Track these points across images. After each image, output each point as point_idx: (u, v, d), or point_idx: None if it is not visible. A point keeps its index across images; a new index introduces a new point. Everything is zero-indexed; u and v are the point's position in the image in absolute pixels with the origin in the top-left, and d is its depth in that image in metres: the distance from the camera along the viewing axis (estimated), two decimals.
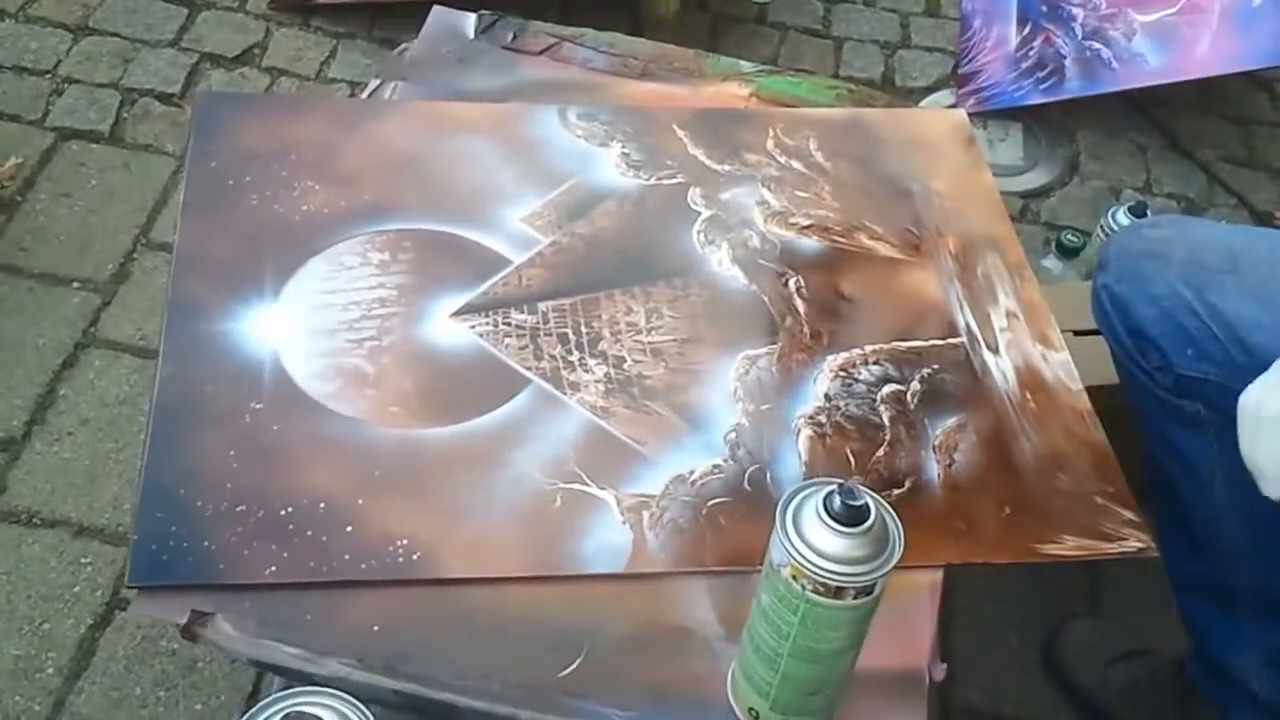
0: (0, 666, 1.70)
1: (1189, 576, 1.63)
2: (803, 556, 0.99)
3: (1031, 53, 2.81)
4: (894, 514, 1.02)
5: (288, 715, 0.92)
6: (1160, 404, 1.47)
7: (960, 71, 2.87)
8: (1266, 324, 1.42)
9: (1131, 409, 1.54)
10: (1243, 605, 1.54)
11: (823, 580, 0.99)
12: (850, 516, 0.99)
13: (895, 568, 1.00)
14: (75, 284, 2.18)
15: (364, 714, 0.94)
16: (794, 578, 1.01)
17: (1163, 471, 1.52)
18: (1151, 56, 2.70)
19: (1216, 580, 1.58)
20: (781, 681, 1.09)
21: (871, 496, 1.00)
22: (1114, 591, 1.93)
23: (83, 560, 1.82)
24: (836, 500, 0.99)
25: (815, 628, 1.03)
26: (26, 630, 1.74)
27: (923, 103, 2.81)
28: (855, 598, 1.01)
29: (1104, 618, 1.93)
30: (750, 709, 1.14)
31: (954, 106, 2.75)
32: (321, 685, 1.12)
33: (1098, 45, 2.75)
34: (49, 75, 2.56)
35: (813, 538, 0.99)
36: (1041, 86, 2.76)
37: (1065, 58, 2.77)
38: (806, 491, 1.02)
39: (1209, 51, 2.66)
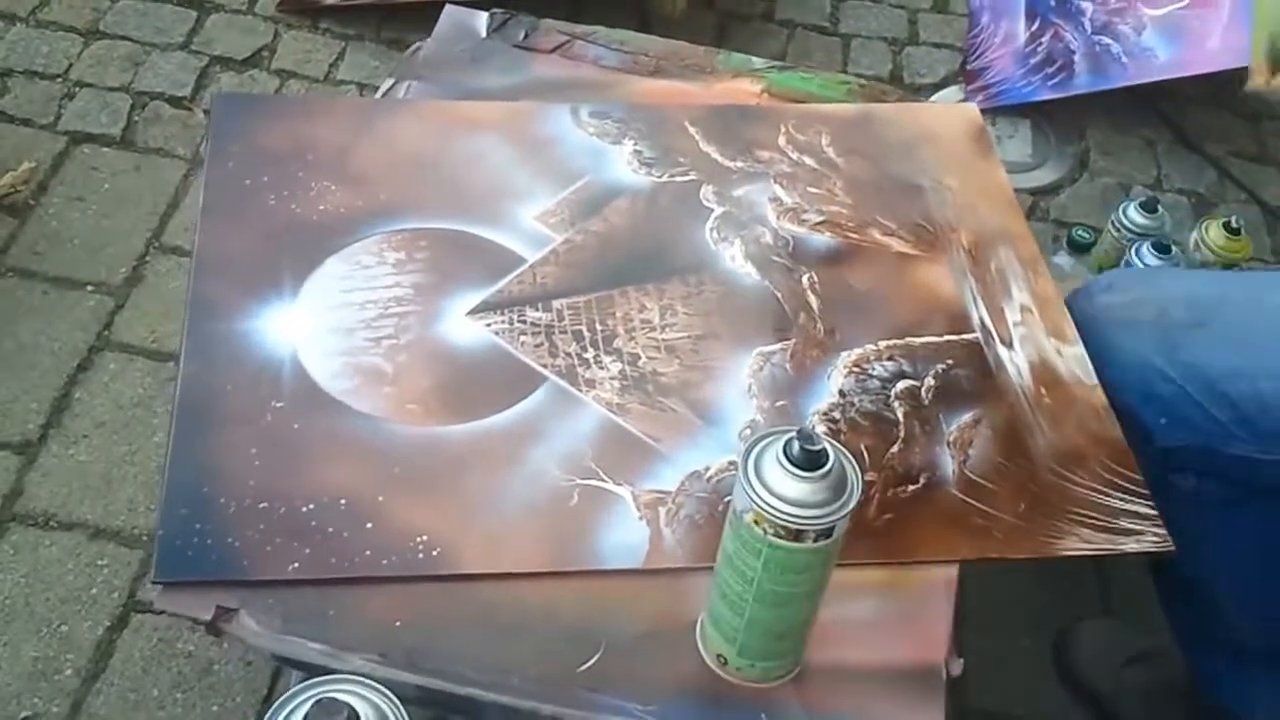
0: (19, 668, 1.71)
1: (1196, 634, 1.63)
2: (764, 501, 1.02)
3: (1040, 48, 2.82)
4: (852, 459, 1.05)
5: (319, 701, 0.92)
6: (1152, 478, 1.44)
7: (969, 68, 2.88)
8: (1245, 370, 1.41)
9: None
10: (1254, 660, 1.54)
11: (783, 524, 1.02)
12: (809, 461, 1.01)
13: (853, 511, 1.03)
14: (89, 287, 2.18)
15: (393, 702, 0.95)
16: (755, 523, 1.03)
17: None
18: (1161, 51, 2.70)
19: (1224, 638, 1.57)
20: (748, 627, 1.12)
21: (829, 442, 1.03)
22: (1125, 590, 1.93)
23: (99, 562, 1.83)
24: (795, 446, 1.01)
25: (779, 571, 1.06)
26: (45, 632, 1.75)
27: (931, 99, 2.82)
28: (815, 540, 1.03)
29: (1115, 617, 1.93)
30: (719, 655, 1.17)
31: (963, 103, 2.76)
32: None
33: (1107, 40, 2.75)
34: (60, 79, 2.57)
35: (773, 483, 1.02)
36: (1050, 82, 2.77)
37: (1074, 53, 2.77)
38: (767, 440, 1.04)
39: (1219, 45, 2.66)
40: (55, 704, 1.68)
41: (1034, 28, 2.84)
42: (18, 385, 2.02)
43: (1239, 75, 2.68)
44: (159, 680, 1.72)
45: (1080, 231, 2.25)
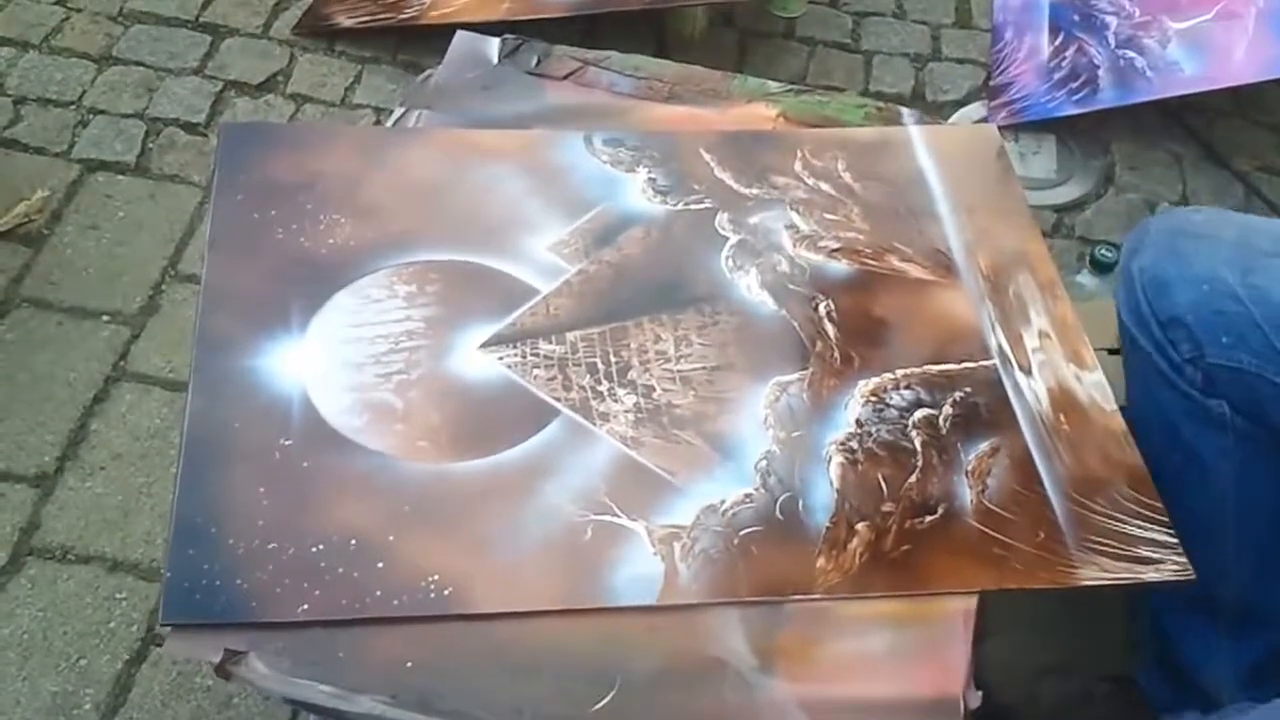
0: (38, 703, 1.71)
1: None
2: None
3: (1064, 63, 2.79)
4: None
5: None
6: (1182, 400, 1.43)
7: (992, 83, 2.85)
8: None
9: (1140, 409, 1.52)
10: (1224, 619, 1.53)
11: None
12: None
13: None
14: (104, 317, 2.18)
15: None
16: None
17: (1163, 476, 1.45)
18: (1186, 64, 2.68)
19: (1201, 591, 1.56)
20: None
21: None
22: (1036, 602, 1.85)
23: (118, 596, 1.82)
24: None
25: None
26: (63, 666, 1.75)
27: (954, 116, 2.80)
28: None
29: (1024, 630, 1.88)
30: None
31: (986, 119, 2.74)
32: None
33: (1132, 54, 2.73)
34: (74, 106, 2.57)
35: None
36: (1075, 97, 2.74)
37: (1099, 67, 2.74)
38: None
39: (1245, 58, 2.63)
40: None
41: (1058, 42, 2.82)
42: (33, 418, 2.02)
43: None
44: (178, 714, 1.72)
45: (1104, 250, 2.22)
